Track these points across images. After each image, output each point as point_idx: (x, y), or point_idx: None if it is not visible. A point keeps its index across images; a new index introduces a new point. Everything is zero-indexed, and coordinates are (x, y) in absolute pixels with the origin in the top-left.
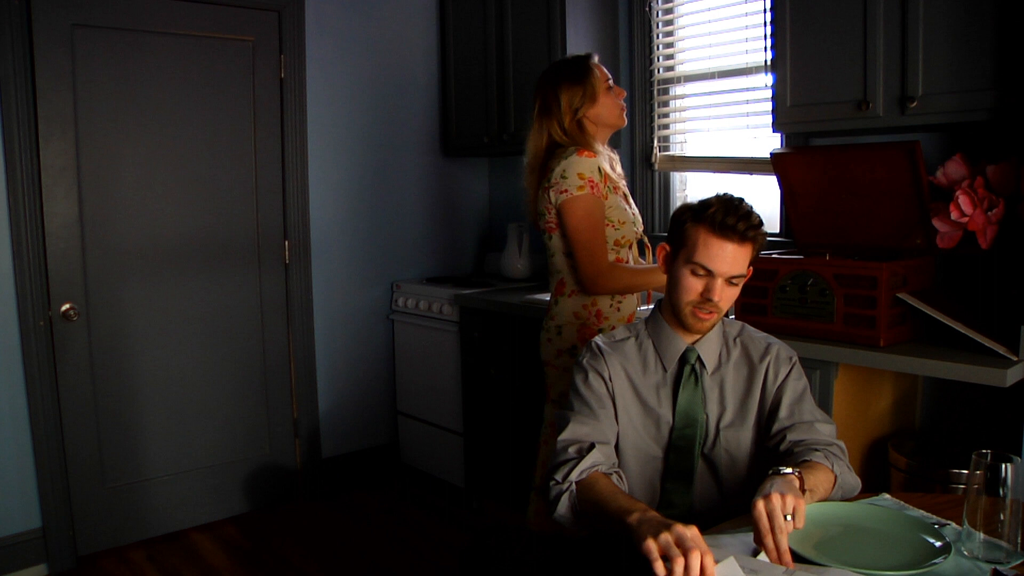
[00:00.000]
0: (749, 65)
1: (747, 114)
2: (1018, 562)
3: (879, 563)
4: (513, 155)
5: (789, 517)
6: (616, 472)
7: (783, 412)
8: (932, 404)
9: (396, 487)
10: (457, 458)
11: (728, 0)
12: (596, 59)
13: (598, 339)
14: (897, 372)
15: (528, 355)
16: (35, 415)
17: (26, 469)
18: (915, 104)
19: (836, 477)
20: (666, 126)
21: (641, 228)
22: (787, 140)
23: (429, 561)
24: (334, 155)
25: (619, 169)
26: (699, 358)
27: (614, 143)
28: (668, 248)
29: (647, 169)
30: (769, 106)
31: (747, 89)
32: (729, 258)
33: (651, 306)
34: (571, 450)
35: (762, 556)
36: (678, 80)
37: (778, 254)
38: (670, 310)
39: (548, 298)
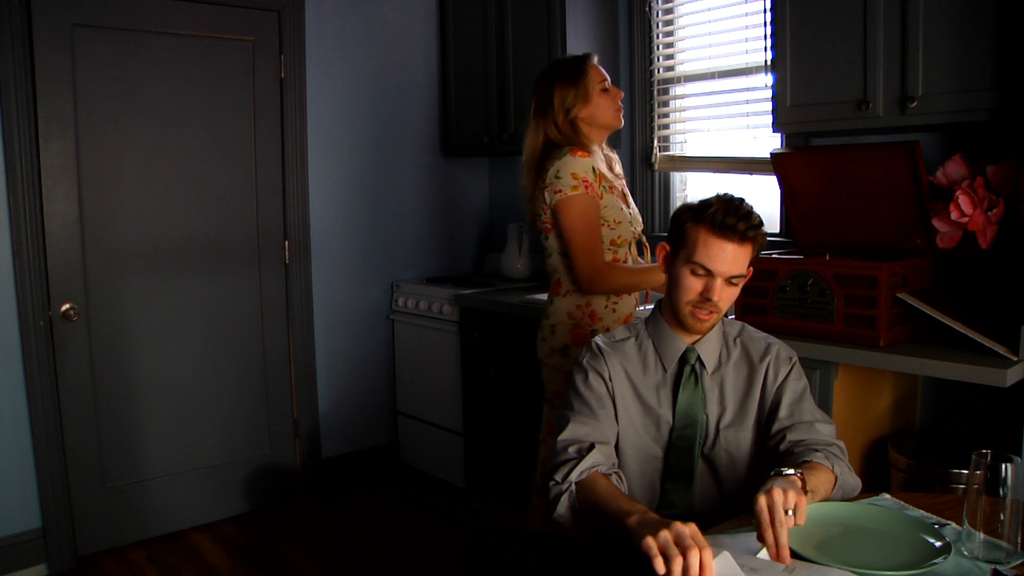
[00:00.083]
0: (749, 65)
1: (747, 114)
2: (1018, 562)
3: (879, 563)
4: (513, 155)
5: (790, 512)
6: (616, 473)
7: (783, 412)
8: (932, 404)
9: (396, 487)
10: (457, 458)
11: (728, 0)
12: (595, 59)
13: (598, 339)
14: (897, 372)
15: (528, 355)
16: (35, 415)
17: (26, 469)
18: (915, 104)
19: (836, 478)
20: (666, 126)
21: (640, 228)
22: (787, 140)
23: (429, 561)
24: (334, 155)
25: (618, 169)
26: (699, 358)
27: (614, 143)
28: (668, 248)
29: (647, 169)
30: (769, 106)
31: (747, 89)
32: (729, 258)
33: (650, 306)
34: (571, 450)
35: (762, 554)
36: (678, 80)
37: (778, 254)
38: (670, 310)
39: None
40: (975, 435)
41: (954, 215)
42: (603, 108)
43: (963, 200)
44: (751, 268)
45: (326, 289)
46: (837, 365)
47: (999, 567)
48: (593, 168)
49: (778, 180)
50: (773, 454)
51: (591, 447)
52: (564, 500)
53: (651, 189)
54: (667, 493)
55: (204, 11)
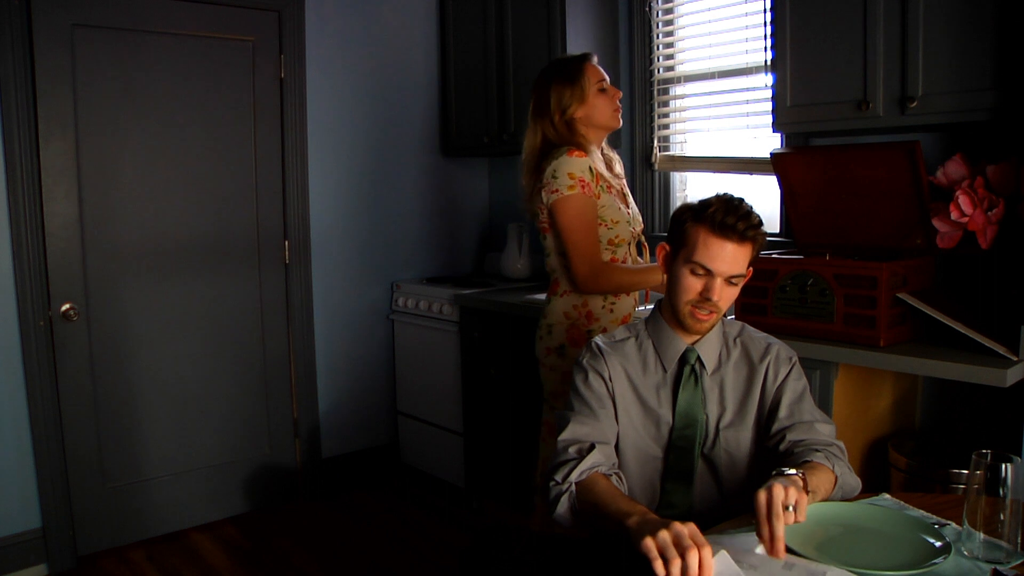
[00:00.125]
0: (749, 65)
1: (747, 114)
2: (1018, 562)
3: (879, 563)
4: (513, 155)
5: (790, 508)
6: (616, 473)
7: (783, 412)
8: (932, 404)
9: (396, 487)
10: (457, 458)
11: (728, 0)
12: (594, 59)
13: (598, 339)
14: (897, 372)
15: (528, 355)
16: (35, 415)
17: (26, 469)
18: (915, 104)
19: (837, 478)
20: (666, 126)
21: (640, 228)
22: (787, 140)
23: (429, 561)
24: (334, 155)
25: (618, 169)
26: (699, 358)
27: (613, 143)
28: (668, 248)
29: (647, 169)
30: (769, 106)
31: (747, 89)
32: (729, 258)
33: (650, 306)
34: (571, 450)
35: (760, 549)
36: (678, 80)
37: (778, 254)
38: (670, 310)
39: None
40: (975, 435)
41: (954, 215)
42: (600, 108)
43: (963, 200)
44: (751, 268)
45: (326, 289)
46: (837, 365)
47: (999, 567)
48: (590, 168)
49: (778, 180)
50: (773, 454)
51: (591, 447)
52: (564, 501)
53: (651, 189)
54: (667, 493)
55: (204, 11)
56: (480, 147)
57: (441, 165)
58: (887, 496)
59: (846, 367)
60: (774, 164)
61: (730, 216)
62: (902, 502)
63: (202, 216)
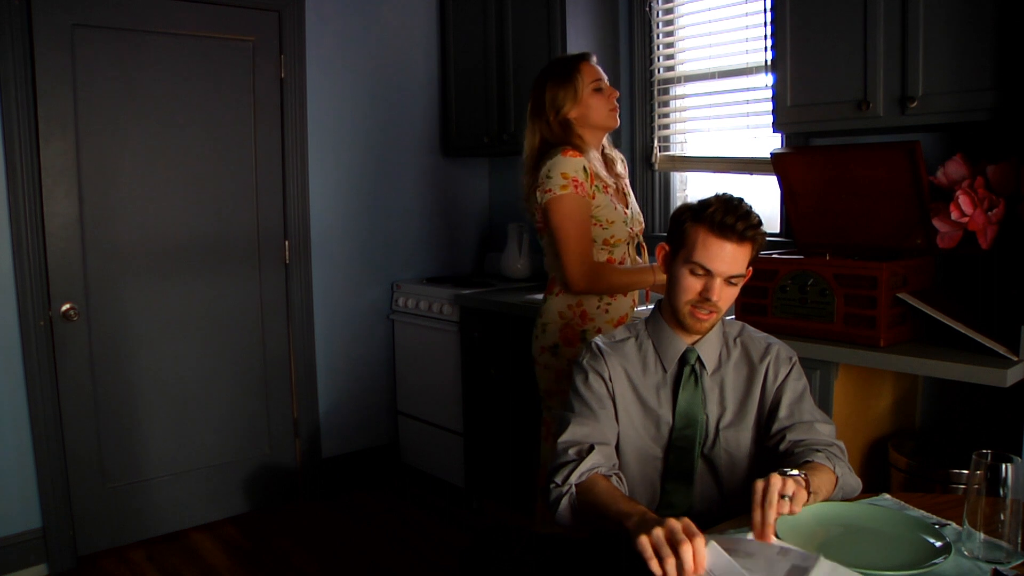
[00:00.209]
0: (749, 65)
1: (747, 114)
2: (1018, 562)
3: (879, 563)
4: (513, 155)
5: (786, 498)
6: (616, 474)
7: (783, 412)
8: (932, 404)
9: (396, 487)
10: (457, 458)
11: (728, 0)
12: (593, 59)
13: (598, 339)
14: (897, 372)
15: (528, 355)
16: (35, 415)
17: (26, 469)
18: (915, 104)
19: (838, 478)
20: (666, 126)
21: (640, 228)
22: (787, 140)
23: (429, 561)
24: (334, 155)
25: (619, 168)
26: (699, 358)
27: (614, 143)
28: (667, 248)
29: (647, 169)
30: (769, 106)
31: (747, 89)
32: (728, 258)
33: (650, 306)
34: (571, 452)
35: (751, 535)
36: (678, 80)
37: (778, 254)
38: (670, 310)
39: None
40: (975, 435)
41: (954, 215)
42: (595, 108)
43: (963, 200)
44: (751, 268)
45: (326, 289)
46: (837, 365)
47: (999, 567)
48: (584, 167)
49: (778, 180)
50: (773, 454)
51: (591, 448)
52: (564, 502)
53: (651, 189)
54: (667, 493)
55: (204, 11)
56: (480, 147)
57: (441, 165)
58: (887, 496)
59: (846, 367)
60: (774, 164)
61: (729, 216)
62: (902, 502)
63: (202, 216)
